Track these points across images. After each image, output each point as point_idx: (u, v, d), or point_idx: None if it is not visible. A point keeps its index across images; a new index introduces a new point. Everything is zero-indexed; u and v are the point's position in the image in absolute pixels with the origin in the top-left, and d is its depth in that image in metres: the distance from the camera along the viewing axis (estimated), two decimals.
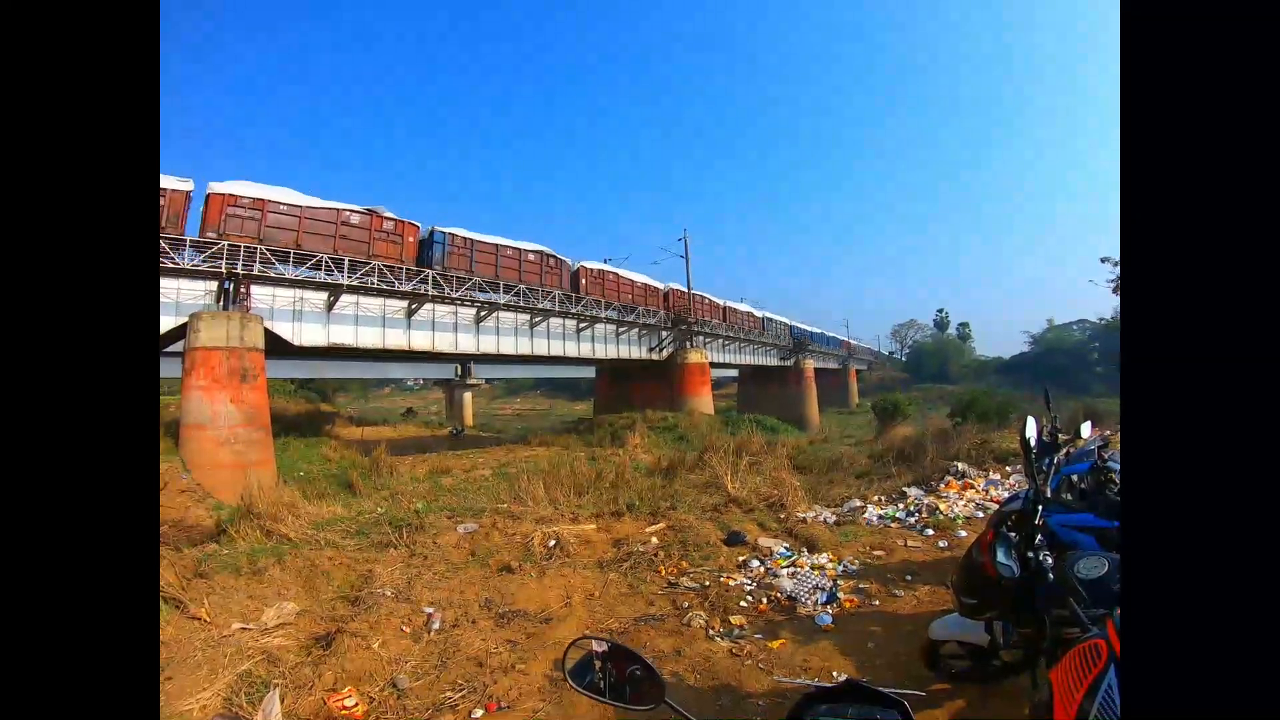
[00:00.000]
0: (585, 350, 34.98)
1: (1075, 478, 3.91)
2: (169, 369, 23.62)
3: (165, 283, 19.41)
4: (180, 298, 19.90)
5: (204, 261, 19.98)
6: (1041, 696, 1.56)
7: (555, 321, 32.62)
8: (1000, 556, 2.82)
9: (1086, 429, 4.26)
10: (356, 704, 3.99)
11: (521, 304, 29.82)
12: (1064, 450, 3.71)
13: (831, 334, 75.27)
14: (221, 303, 20.40)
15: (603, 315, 34.33)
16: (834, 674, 4.20)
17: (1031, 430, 3.33)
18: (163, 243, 19.07)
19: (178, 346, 20.62)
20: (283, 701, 3.90)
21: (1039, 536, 2.86)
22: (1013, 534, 2.94)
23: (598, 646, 1.78)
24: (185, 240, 19.82)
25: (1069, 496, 3.75)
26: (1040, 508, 2.93)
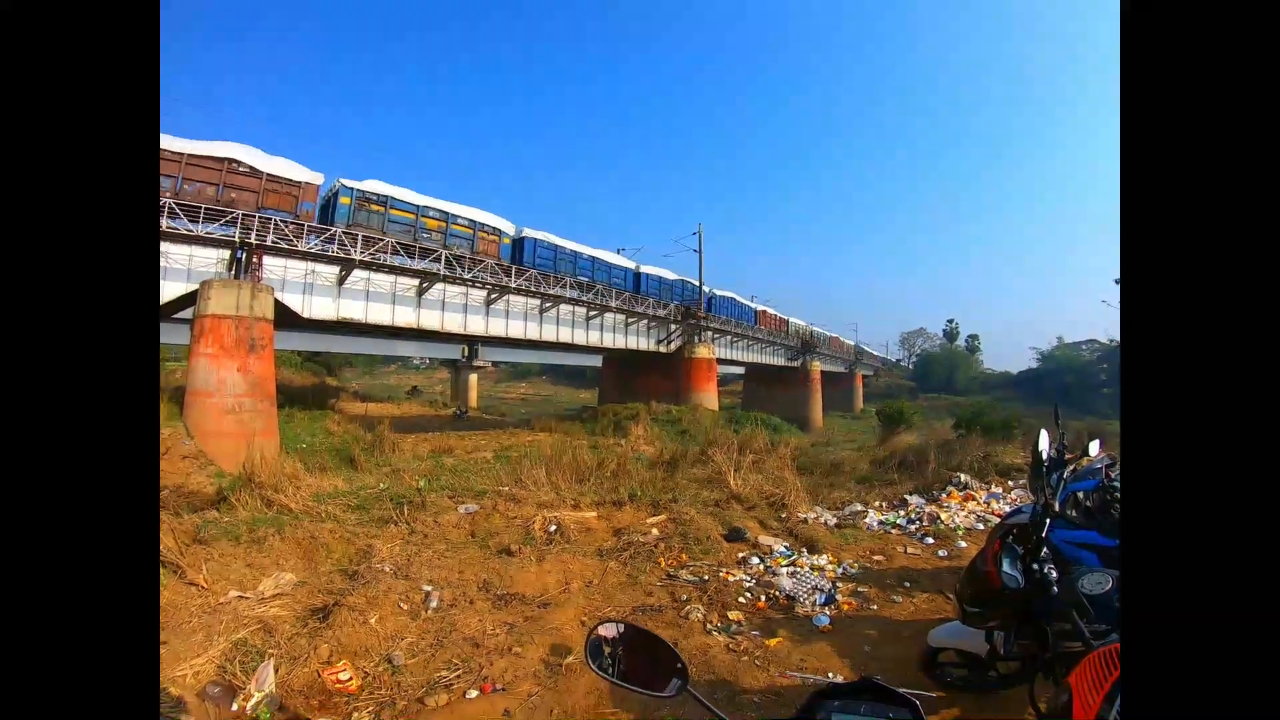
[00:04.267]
0: (594, 339, 35.01)
1: (1081, 495, 3.88)
2: (178, 335, 23.71)
3: (178, 249, 19.48)
4: (193, 264, 19.94)
5: (218, 229, 20.00)
6: (1060, 700, 1.54)
7: (565, 308, 32.65)
8: (1006, 567, 2.82)
9: (1095, 447, 4.25)
10: (351, 678, 3.99)
11: (533, 288, 29.83)
12: (1071, 467, 3.69)
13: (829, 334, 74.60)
14: (233, 271, 20.43)
15: (613, 305, 34.30)
16: (830, 675, 4.19)
17: (1044, 443, 3.32)
18: (177, 208, 19.13)
19: (187, 313, 20.65)
20: (276, 672, 3.90)
21: (1045, 550, 2.85)
22: (1017, 546, 2.93)
23: (620, 630, 1.75)
24: (200, 207, 19.85)
25: (1073, 513, 3.72)
26: (1048, 521, 2.92)
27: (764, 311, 54.58)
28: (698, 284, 42.64)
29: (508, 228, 30.84)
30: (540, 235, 32.59)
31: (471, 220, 29.08)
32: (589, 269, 35.40)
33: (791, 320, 61.80)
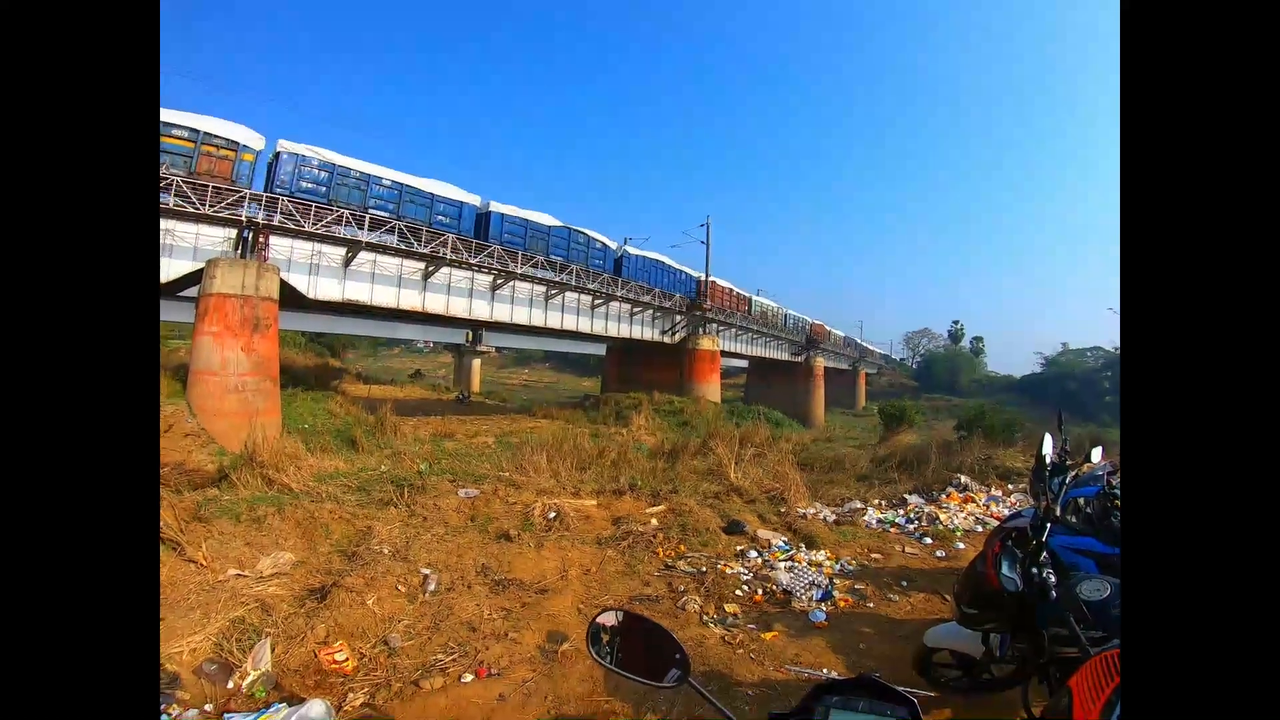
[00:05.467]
0: (599, 327, 34.88)
1: (1081, 501, 3.88)
2: (183, 313, 23.74)
3: (184, 227, 19.45)
4: (199, 243, 19.90)
5: (225, 208, 19.96)
6: (1060, 704, 1.54)
7: (571, 296, 32.53)
8: (1005, 569, 2.82)
9: (1097, 454, 4.24)
10: (347, 659, 4.01)
11: (539, 275, 29.78)
12: (1073, 473, 3.69)
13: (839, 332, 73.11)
14: (240, 251, 20.42)
15: (618, 294, 34.22)
16: (825, 670, 4.20)
17: (1049, 447, 3.32)
18: (185, 187, 19.09)
19: (192, 291, 20.66)
20: (273, 651, 3.92)
21: (1044, 554, 2.85)
22: (1017, 550, 2.93)
23: (621, 619, 1.74)
24: (208, 186, 19.79)
25: (1073, 519, 3.72)
26: (1048, 525, 2.92)
27: (713, 283, 42.95)
28: (577, 230, 32.90)
29: (254, 141, 22.28)
30: (307, 150, 23.77)
31: (193, 130, 20.72)
32: (392, 199, 25.46)
33: (757, 299, 51.57)
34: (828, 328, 67.03)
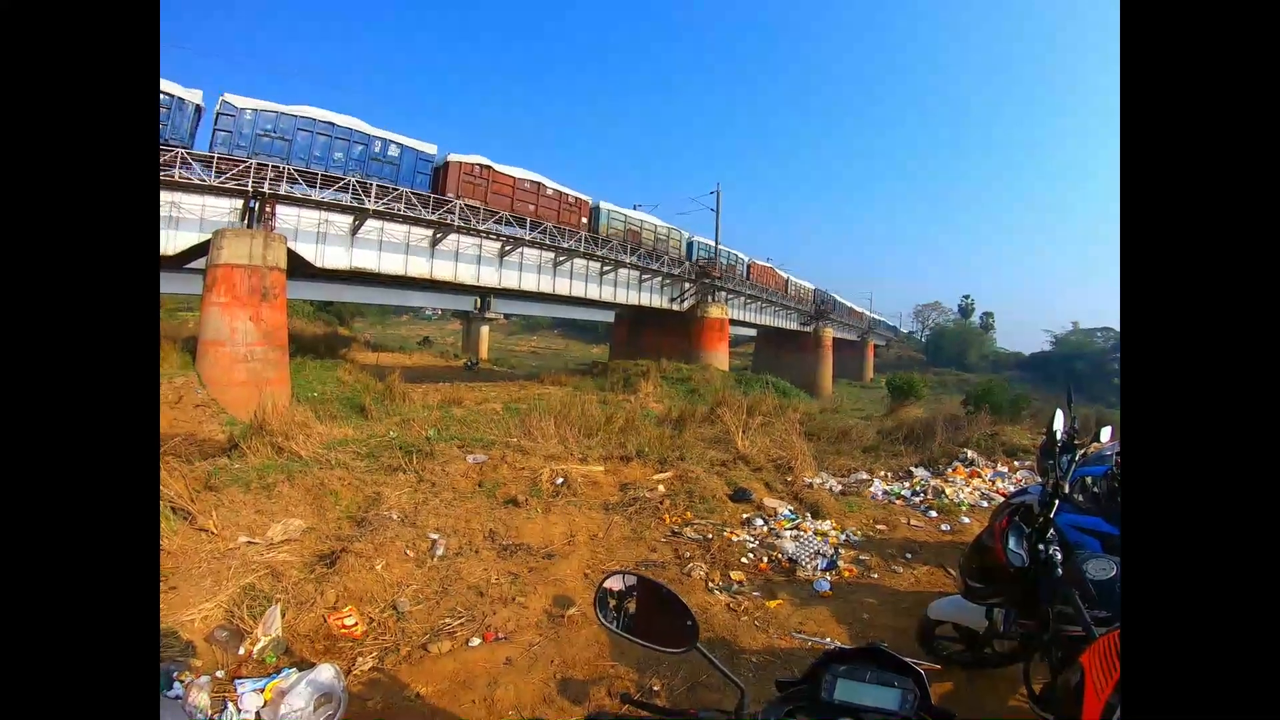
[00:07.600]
0: (607, 294, 34.83)
1: (1089, 480, 3.88)
2: (191, 285, 23.83)
3: (190, 199, 19.47)
4: (205, 214, 19.92)
5: (231, 179, 19.89)
6: (1071, 680, 1.55)
7: (579, 262, 32.45)
8: (1011, 544, 2.83)
9: (1106, 433, 4.24)
10: (356, 624, 4.06)
11: (547, 241, 29.65)
12: (1081, 451, 3.67)
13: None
14: (246, 221, 20.40)
15: (627, 260, 34.06)
16: (828, 640, 4.22)
17: (1060, 423, 3.31)
18: (189, 157, 19.02)
19: (200, 263, 20.71)
20: (284, 616, 3.96)
21: (1051, 531, 2.86)
22: (1024, 525, 2.93)
23: (629, 582, 1.70)
24: (214, 157, 19.71)
25: (1080, 498, 3.72)
26: (1057, 502, 2.93)
27: (533, 183, 29.93)
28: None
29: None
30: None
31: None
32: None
33: (649, 219, 37.38)
34: (780, 271, 55.15)
